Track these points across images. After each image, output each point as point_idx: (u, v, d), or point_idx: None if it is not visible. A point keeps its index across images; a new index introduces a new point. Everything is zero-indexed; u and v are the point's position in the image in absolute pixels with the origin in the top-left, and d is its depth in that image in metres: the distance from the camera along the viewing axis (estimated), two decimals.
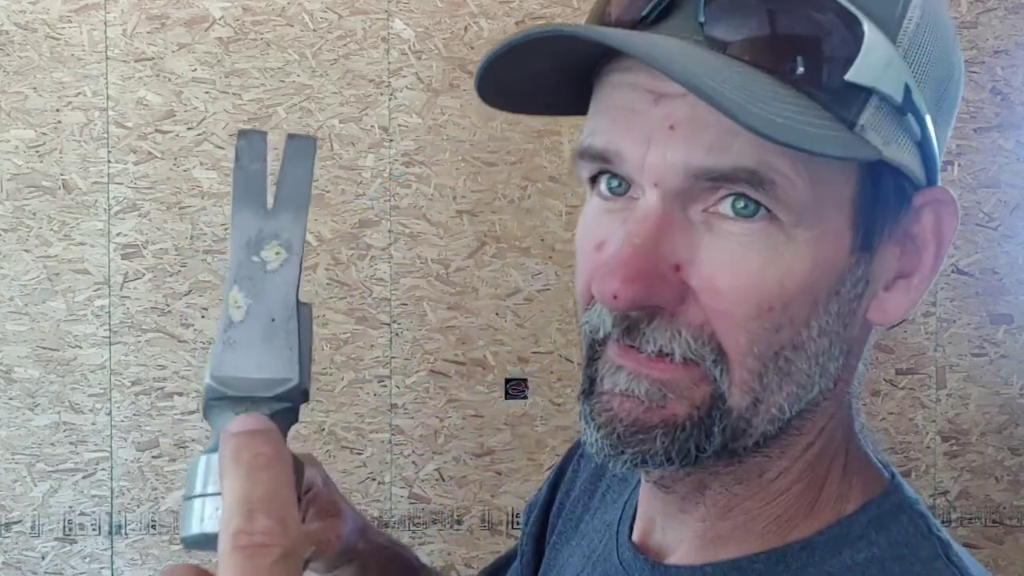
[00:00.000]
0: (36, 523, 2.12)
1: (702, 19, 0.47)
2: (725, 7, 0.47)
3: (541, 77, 0.53)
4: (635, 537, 0.61)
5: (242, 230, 0.54)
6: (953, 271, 2.25)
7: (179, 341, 2.13)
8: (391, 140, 2.15)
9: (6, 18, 2.11)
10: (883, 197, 0.50)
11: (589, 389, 0.52)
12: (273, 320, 0.51)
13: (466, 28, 2.15)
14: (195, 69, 2.13)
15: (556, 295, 2.17)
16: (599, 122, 0.51)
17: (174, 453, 2.13)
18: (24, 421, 2.12)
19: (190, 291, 2.13)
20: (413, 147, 2.15)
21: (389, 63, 2.15)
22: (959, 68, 0.52)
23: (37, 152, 2.12)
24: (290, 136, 0.56)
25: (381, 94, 2.15)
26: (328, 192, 2.14)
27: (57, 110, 2.11)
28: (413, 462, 2.16)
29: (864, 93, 0.47)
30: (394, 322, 2.15)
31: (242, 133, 0.56)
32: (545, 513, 0.78)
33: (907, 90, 0.48)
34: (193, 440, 2.13)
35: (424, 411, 2.16)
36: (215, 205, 2.13)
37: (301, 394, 0.48)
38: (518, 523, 2.18)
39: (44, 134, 2.11)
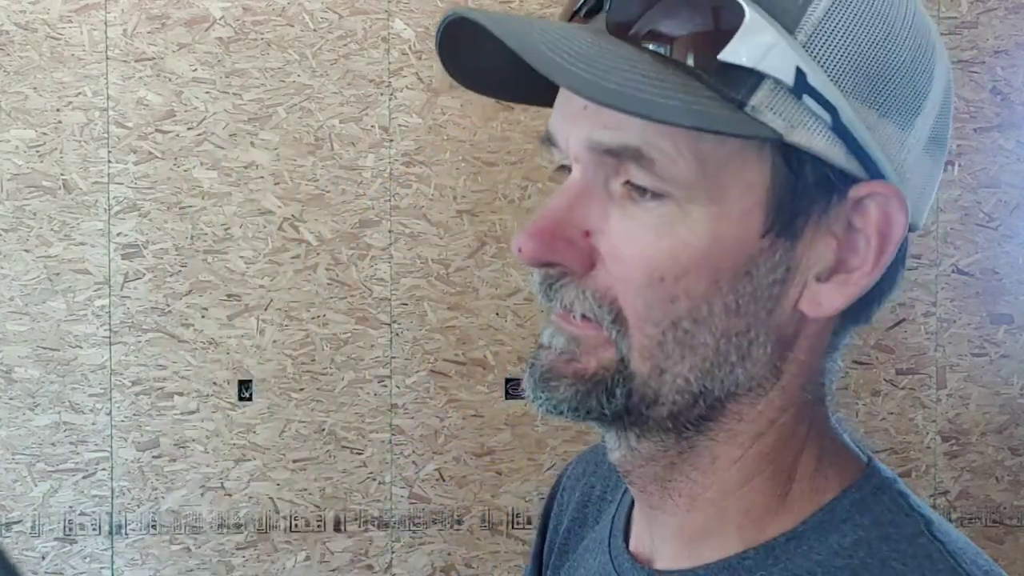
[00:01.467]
0: (36, 523, 2.12)
1: (607, 8, 0.51)
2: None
3: (493, 69, 0.57)
4: (632, 546, 0.62)
5: None
6: (953, 271, 2.25)
7: (179, 341, 2.13)
8: (391, 140, 2.15)
9: (6, 18, 2.11)
10: (802, 184, 0.51)
11: (536, 346, 0.58)
12: None
13: None
14: (195, 69, 2.13)
15: None
16: (554, 109, 0.56)
17: (174, 453, 2.13)
18: (24, 421, 2.12)
19: (190, 291, 2.13)
20: (413, 147, 2.15)
21: (389, 63, 2.15)
22: (918, 60, 0.52)
23: (37, 152, 2.12)
24: None
25: (381, 94, 2.15)
26: (328, 192, 2.14)
27: (57, 110, 2.11)
28: (413, 462, 2.16)
29: (754, 76, 0.48)
30: (394, 322, 2.15)
31: None
32: (539, 554, 0.79)
33: (800, 73, 0.49)
34: (193, 440, 2.13)
35: (424, 411, 2.16)
36: (215, 205, 2.13)
37: None
38: (518, 523, 2.18)
39: (44, 134, 2.11)
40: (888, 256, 0.52)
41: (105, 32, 2.12)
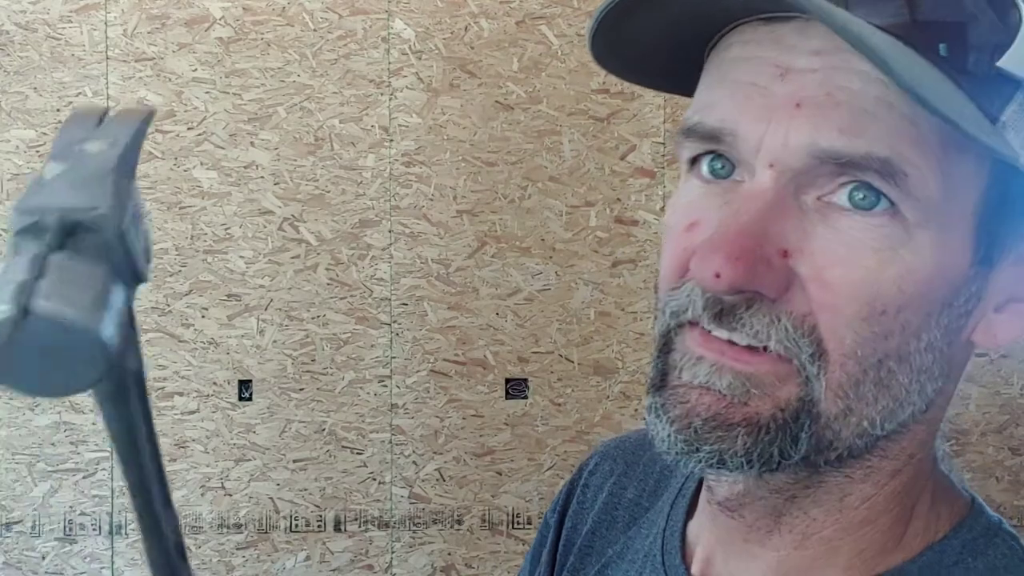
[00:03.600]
0: (37, 523, 2.12)
1: None
2: None
3: (652, 47, 0.49)
4: (694, 570, 0.55)
5: (68, 136, 0.44)
6: None
7: (179, 341, 2.13)
8: (391, 140, 2.15)
9: (6, 18, 2.11)
10: (1009, 208, 0.46)
11: (661, 382, 0.48)
12: (86, 176, 0.41)
13: (466, 28, 2.15)
14: (195, 69, 2.13)
15: (556, 295, 2.17)
16: (713, 97, 0.47)
17: (174, 453, 2.13)
18: (24, 421, 2.12)
19: (190, 291, 2.13)
20: (413, 147, 2.15)
21: (389, 63, 2.15)
22: None
23: (38, 152, 2.12)
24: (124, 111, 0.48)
25: (381, 94, 2.15)
26: (328, 192, 2.14)
27: (58, 110, 2.11)
28: (413, 462, 2.16)
29: (1010, 86, 0.43)
30: (394, 322, 2.15)
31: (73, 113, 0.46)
32: (544, 552, 0.73)
33: None
34: (193, 440, 2.13)
35: (424, 411, 2.16)
36: (215, 205, 2.13)
37: (116, 230, 0.39)
38: (518, 523, 2.18)
39: (44, 134, 2.11)
40: None
41: (105, 32, 2.12)
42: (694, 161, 0.48)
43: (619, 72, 0.52)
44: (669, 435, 0.47)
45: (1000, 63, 0.42)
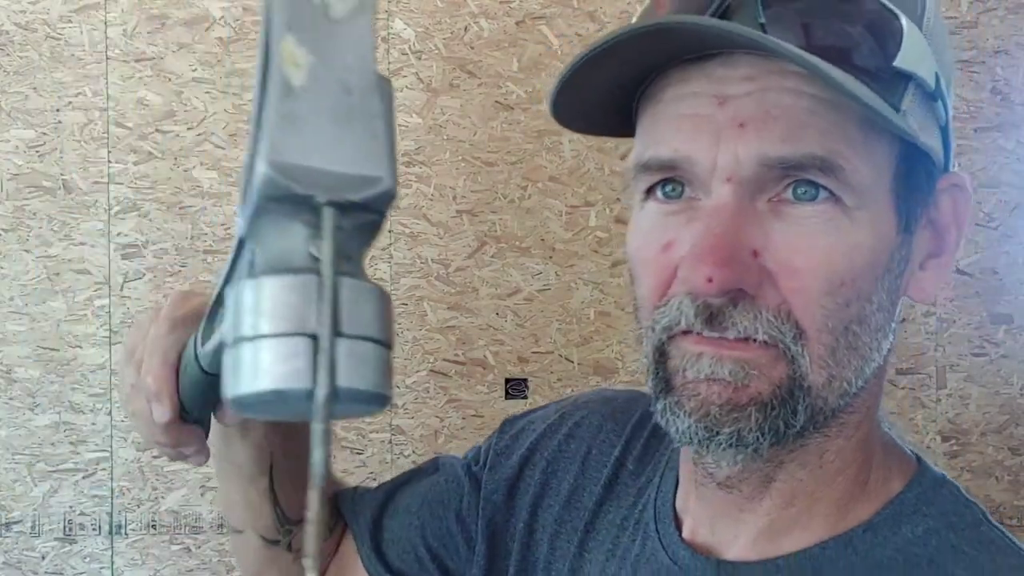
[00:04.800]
0: (36, 523, 2.12)
1: (762, 20, 0.50)
2: (781, 4, 0.50)
3: (593, 102, 0.56)
4: (686, 535, 0.61)
5: None
6: (953, 271, 2.25)
7: None
8: None
9: (6, 18, 2.11)
10: (915, 181, 0.54)
11: (667, 385, 0.54)
12: (348, 92, 0.34)
13: (466, 28, 2.15)
14: (195, 69, 2.13)
15: (556, 295, 2.17)
16: (661, 133, 0.53)
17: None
18: (24, 421, 2.12)
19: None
20: (413, 147, 2.15)
21: (389, 63, 2.15)
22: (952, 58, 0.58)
23: (37, 152, 2.12)
24: None
25: None
26: None
27: (57, 110, 2.11)
28: (413, 462, 2.16)
29: (905, 80, 0.51)
30: (394, 322, 2.15)
31: None
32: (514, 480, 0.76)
33: (936, 77, 0.51)
34: None
35: (424, 411, 2.16)
36: (215, 205, 2.13)
37: (389, 200, 0.35)
38: None
39: (44, 134, 2.11)
40: (963, 239, 0.57)
41: (105, 32, 2.12)
42: (648, 191, 0.55)
43: (580, 129, 0.60)
44: (689, 427, 0.52)
45: (897, 63, 0.50)
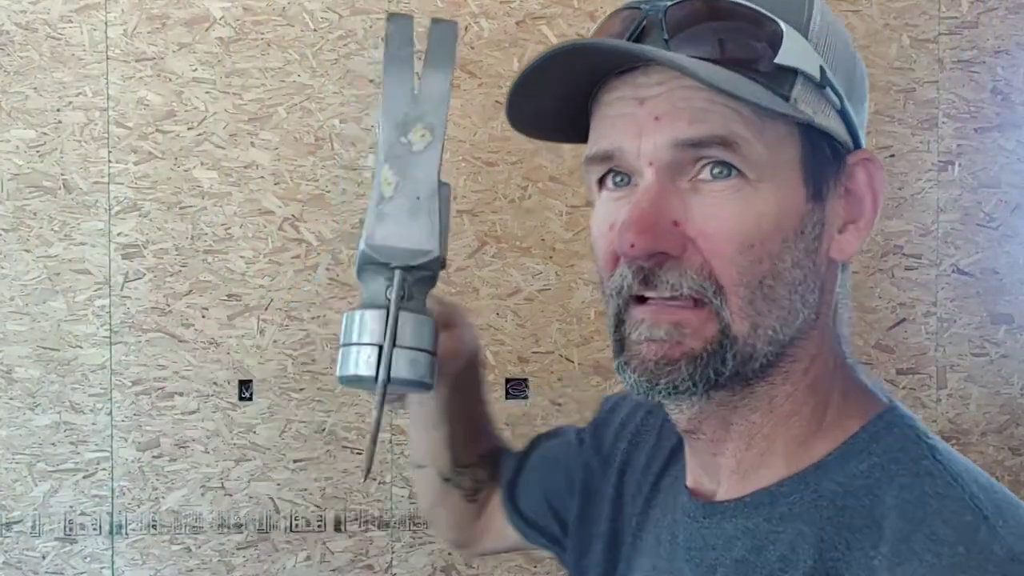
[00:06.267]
0: (37, 523, 2.12)
1: (667, 36, 0.62)
2: (680, 25, 0.62)
3: (547, 112, 0.67)
4: (688, 484, 0.73)
5: (392, 113, 0.64)
6: (953, 271, 2.25)
7: (179, 341, 2.13)
8: None
9: (6, 18, 2.11)
10: (821, 157, 0.64)
11: (620, 347, 0.65)
12: (418, 198, 0.60)
13: (466, 28, 2.15)
14: (195, 69, 2.13)
15: (556, 295, 2.17)
16: (600, 131, 0.65)
17: (174, 453, 2.13)
18: (25, 421, 2.12)
19: (190, 291, 2.13)
20: None
21: None
22: (860, 64, 0.69)
23: (38, 152, 2.12)
24: (433, 21, 0.67)
25: (382, 94, 2.14)
26: (328, 192, 2.14)
27: (58, 110, 2.11)
28: None
29: (791, 74, 0.61)
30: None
31: (390, 17, 0.68)
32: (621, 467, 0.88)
33: (822, 70, 0.62)
34: (193, 440, 2.13)
35: None
36: (215, 205, 2.13)
37: (440, 264, 0.60)
38: None
39: (45, 134, 2.11)
40: (879, 206, 0.67)
41: (105, 32, 2.12)
42: (601, 182, 0.66)
43: (533, 134, 0.71)
44: (634, 380, 0.63)
45: (777, 60, 0.61)
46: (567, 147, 2.16)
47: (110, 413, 2.12)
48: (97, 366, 2.12)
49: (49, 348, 2.12)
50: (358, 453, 2.15)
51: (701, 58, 0.60)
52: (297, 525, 2.15)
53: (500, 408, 2.16)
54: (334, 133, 2.14)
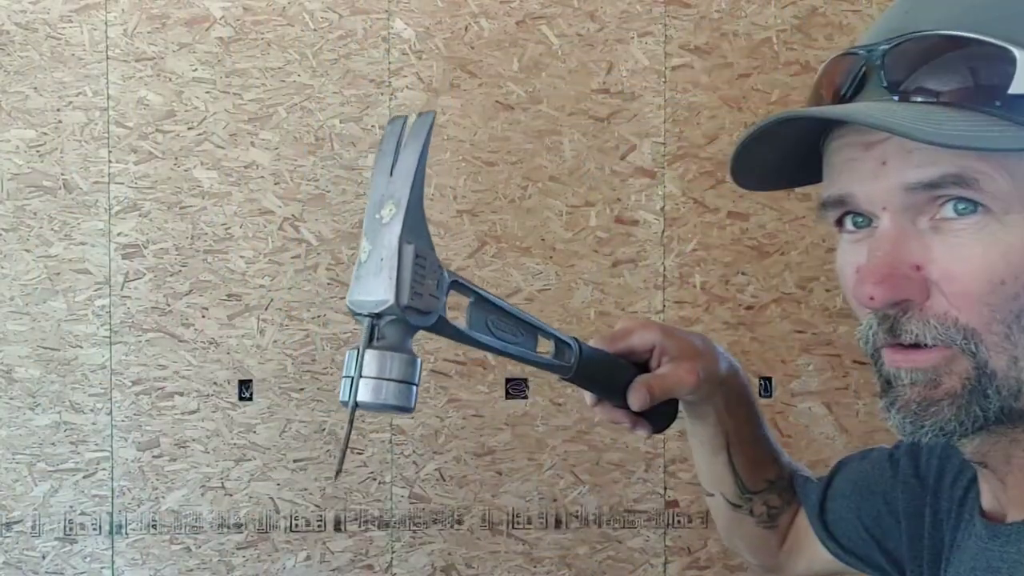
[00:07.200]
0: (37, 523, 2.12)
1: (885, 84, 0.61)
2: (901, 70, 0.60)
3: (776, 162, 0.69)
4: (984, 505, 0.72)
5: (373, 196, 0.74)
6: None
7: (179, 341, 2.13)
8: None
9: (7, 18, 2.11)
10: None
11: (885, 388, 0.64)
12: (382, 259, 0.71)
13: (466, 28, 2.15)
14: (196, 69, 2.13)
15: (556, 295, 2.17)
16: (830, 177, 0.65)
17: (174, 453, 2.13)
18: (25, 421, 2.12)
19: (190, 291, 2.13)
20: None
21: (389, 63, 2.15)
22: None
23: (38, 152, 2.12)
24: (418, 115, 0.76)
25: (381, 94, 2.15)
26: (328, 192, 2.14)
27: (58, 110, 2.11)
28: (413, 462, 2.16)
29: None
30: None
31: (392, 120, 0.78)
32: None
33: None
34: (193, 440, 2.13)
35: (424, 411, 2.16)
36: (215, 205, 2.13)
37: (401, 309, 0.71)
38: (518, 523, 2.18)
39: (45, 134, 2.11)
40: None
41: (105, 32, 2.12)
42: (840, 223, 0.66)
43: (752, 186, 0.73)
44: (899, 421, 0.62)
45: (1012, 91, 0.57)
46: (567, 147, 2.16)
47: (110, 413, 2.12)
48: (97, 366, 2.12)
49: (49, 348, 2.12)
50: (358, 453, 2.15)
51: (925, 102, 0.59)
52: (297, 525, 2.15)
53: (500, 408, 2.16)
54: (334, 133, 2.14)
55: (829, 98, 0.65)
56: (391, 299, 0.70)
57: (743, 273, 2.19)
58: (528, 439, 2.17)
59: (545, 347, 0.97)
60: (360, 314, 0.72)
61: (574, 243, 2.17)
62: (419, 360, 0.75)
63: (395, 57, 2.14)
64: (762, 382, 2.20)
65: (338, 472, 0.72)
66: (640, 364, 0.94)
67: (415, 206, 0.72)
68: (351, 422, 0.72)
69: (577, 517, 2.18)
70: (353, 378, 0.71)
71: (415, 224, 0.72)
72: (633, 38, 2.17)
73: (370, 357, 0.71)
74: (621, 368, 0.92)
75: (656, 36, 2.17)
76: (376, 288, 0.71)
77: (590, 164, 2.16)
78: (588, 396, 0.95)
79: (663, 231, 2.18)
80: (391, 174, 0.74)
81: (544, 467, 2.17)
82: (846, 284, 0.66)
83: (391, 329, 0.72)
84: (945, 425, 0.61)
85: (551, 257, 2.17)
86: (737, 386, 0.98)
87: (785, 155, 0.68)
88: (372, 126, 2.15)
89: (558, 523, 2.18)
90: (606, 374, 0.92)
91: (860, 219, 0.64)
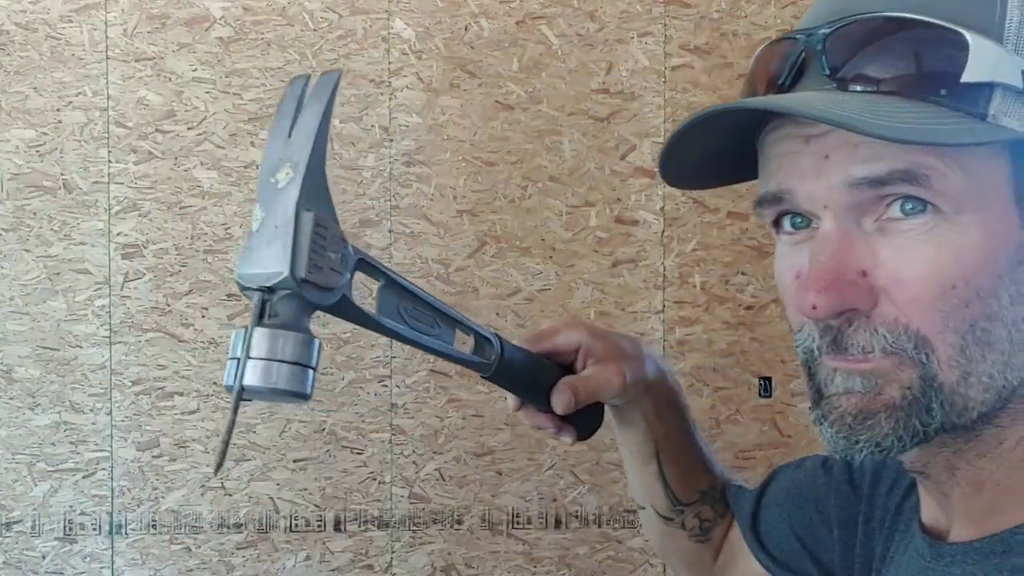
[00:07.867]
0: (36, 523, 2.12)
1: (826, 71, 0.56)
2: (841, 55, 0.55)
3: (712, 157, 0.63)
4: (923, 519, 0.67)
5: (268, 159, 0.66)
6: None
7: (179, 341, 2.13)
8: (391, 140, 2.15)
9: (6, 18, 2.11)
10: None
11: (817, 398, 0.59)
12: (276, 227, 0.62)
13: (466, 28, 2.15)
14: (195, 69, 2.13)
15: (556, 295, 2.17)
16: (767, 172, 0.60)
17: (174, 453, 2.13)
18: (24, 421, 2.12)
19: (190, 291, 2.13)
20: (413, 147, 2.15)
21: (389, 63, 2.15)
22: None
23: (38, 152, 2.12)
24: (323, 74, 0.70)
25: (381, 94, 2.15)
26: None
27: (57, 110, 2.11)
28: (413, 462, 2.16)
29: (986, 88, 0.53)
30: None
31: (292, 80, 0.71)
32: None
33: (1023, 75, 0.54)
34: (194, 440, 2.13)
35: (424, 411, 2.16)
36: (215, 205, 2.13)
37: (296, 283, 0.62)
38: (518, 523, 2.18)
39: (44, 134, 2.11)
40: None
41: (105, 32, 2.12)
42: (777, 224, 0.61)
43: (685, 185, 0.68)
44: (832, 436, 0.57)
45: (964, 79, 0.53)
46: (567, 147, 2.16)
47: (110, 413, 2.12)
48: (97, 366, 2.12)
49: (49, 348, 2.12)
50: (358, 453, 2.15)
51: (869, 91, 0.54)
52: (297, 525, 2.15)
53: (500, 408, 2.16)
54: (334, 133, 2.14)
55: (764, 88, 0.60)
56: (285, 271, 0.61)
57: (743, 273, 2.19)
58: (528, 439, 2.17)
59: (465, 342, 0.89)
60: (250, 288, 0.63)
61: (574, 243, 2.17)
62: (318, 341, 0.66)
63: (395, 57, 2.15)
64: (762, 382, 2.20)
65: (218, 466, 0.64)
66: (566, 366, 0.88)
67: (315, 170, 0.65)
68: (236, 409, 0.63)
69: (577, 517, 2.18)
70: (240, 360, 0.62)
71: (315, 190, 0.65)
72: (633, 38, 2.17)
73: (259, 336, 0.62)
74: (545, 369, 0.86)
75: (656, 36, 2.17)
76: (268, 259, 0.62)
77: (590, 164, 2.16)
78: (511, 399, 0.88)
79: (663, 231, 2.18)
80: (289, 135, 0.66)
81: (544, 467, 2.17)
82: (785, 291, 0.61)
83: (285, 305, 0.64)
84: (882, 440, 0.56)
85: (551, 257, 2.17)
86: (666, 391, 0.93)
87: (720, 150, 0.63)
88: (372, 126, 2.15)
89: (558, 523, 2.18)
90: (529, 375, 0.86)
91: (799, 219, 0.59)
